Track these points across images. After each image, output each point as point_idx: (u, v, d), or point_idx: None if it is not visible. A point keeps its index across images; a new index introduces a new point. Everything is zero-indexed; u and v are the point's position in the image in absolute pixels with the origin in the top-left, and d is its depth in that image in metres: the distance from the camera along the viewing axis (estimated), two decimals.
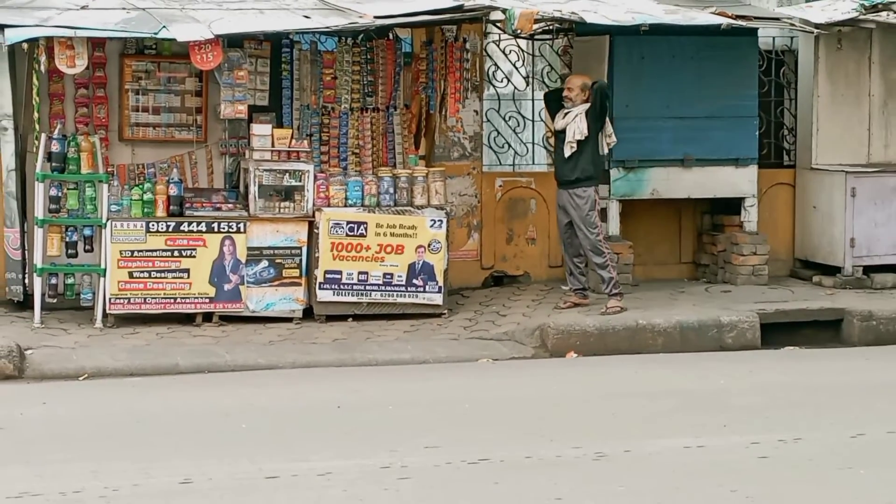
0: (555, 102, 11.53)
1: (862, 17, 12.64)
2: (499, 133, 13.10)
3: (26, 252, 11.12)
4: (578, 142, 11.18)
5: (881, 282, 12.67)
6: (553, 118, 11.55)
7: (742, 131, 12.55)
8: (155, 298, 10.81)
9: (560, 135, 11.38)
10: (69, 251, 10.96)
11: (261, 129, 11.17)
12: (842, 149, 13.06)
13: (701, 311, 11.34)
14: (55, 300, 11.02)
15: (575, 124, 11.19)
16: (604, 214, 12.28)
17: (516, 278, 12.90)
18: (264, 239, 11.05)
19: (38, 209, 10.76)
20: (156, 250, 10.78)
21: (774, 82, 13.44)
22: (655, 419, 8.22)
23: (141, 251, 10.75)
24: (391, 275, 11.26)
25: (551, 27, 12.67)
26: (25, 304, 11.05)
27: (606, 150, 11.49)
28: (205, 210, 11.04)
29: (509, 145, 13.07)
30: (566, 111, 11.28)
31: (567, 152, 11.26)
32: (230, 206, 11.21)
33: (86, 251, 10.96)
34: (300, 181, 11.11)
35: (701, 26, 11.63)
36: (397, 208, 11.33)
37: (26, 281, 11.11)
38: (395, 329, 10.98)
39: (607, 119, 11.34)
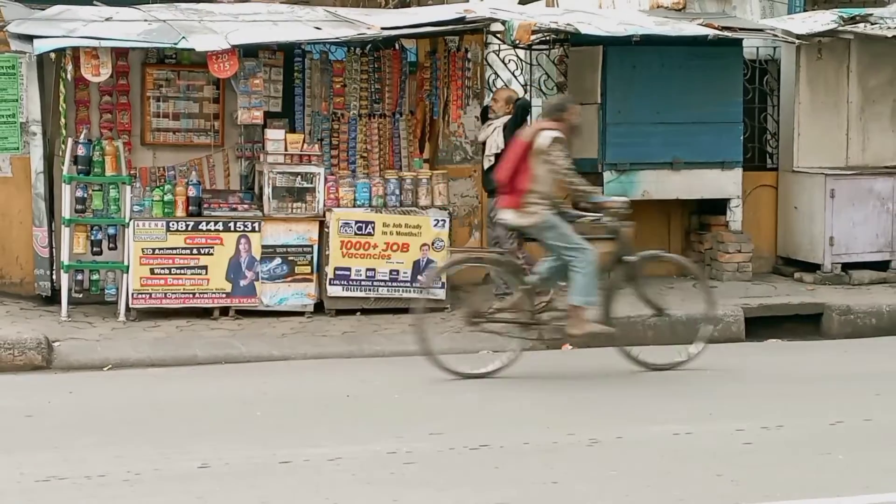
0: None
1: (841, 28, 12.63)
2: None
3: (54, 250, 11.14)
4: (495, 155, 11.14)
5: (859, 278, 12.66)
6: None
7: (727, 136, 12.53)
8: (175, 293, 10.82)
9: (483, 146, 11.43)
10: (94, 249, 10.98)
11: (274, 134, 11.18)
12: (822, 152, 13.04)
13: (689, 305, 11.33)
14: (81, 295, 11.06)
15: (492, 139, 11.24)
16: None
17: None
18: (278, 237, 11.05)
19: (65, 209, 10.79)
20: (176, 248, 10.79)
21: (758, 90, 13.43)
22: (646, 407, 8.21)
23: (162, 249, 10.76)
24: (397, 271, 11.26)
25: (548, 38, 12.68)
26: (53, 298, 11.07)
27: None
28: (222, 210, 11.06)
29: None
30: (488, 123, 11.32)
31: (486, 164, 11.31)
32: (245, 206, 11.22)
33: (110, 249, 10.99)
34: (311, 183, 11.12)
35: (689, 37, 11.65)
36: (403, 209, 11.33)
37: (54, 277, 11.14)
38: (401, 322, 10.96)
39: None
